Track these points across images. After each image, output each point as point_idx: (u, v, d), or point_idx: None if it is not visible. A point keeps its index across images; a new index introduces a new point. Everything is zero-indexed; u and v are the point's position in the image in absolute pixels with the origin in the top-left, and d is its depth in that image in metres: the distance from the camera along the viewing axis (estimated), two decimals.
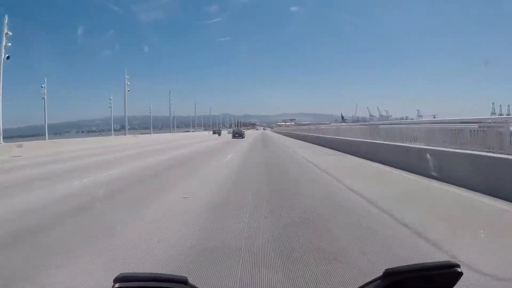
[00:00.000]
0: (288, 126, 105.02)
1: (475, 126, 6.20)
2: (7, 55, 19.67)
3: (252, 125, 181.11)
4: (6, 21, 19.88)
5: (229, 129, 71.90)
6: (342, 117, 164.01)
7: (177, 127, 78.91)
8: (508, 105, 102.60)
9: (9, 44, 19.89)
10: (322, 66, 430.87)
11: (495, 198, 4.45)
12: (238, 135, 34.12)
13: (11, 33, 19.97)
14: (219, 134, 56.50)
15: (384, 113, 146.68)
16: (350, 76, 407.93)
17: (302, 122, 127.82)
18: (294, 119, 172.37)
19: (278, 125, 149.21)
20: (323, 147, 16.27)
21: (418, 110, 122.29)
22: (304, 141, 24.11)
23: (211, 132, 67.70)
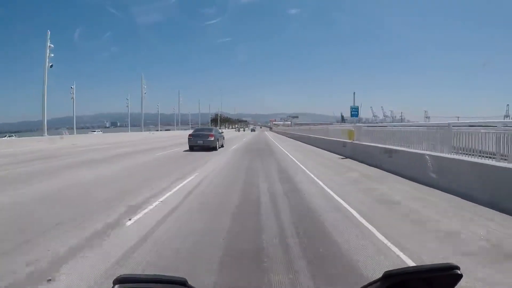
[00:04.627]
0: (287, 126, 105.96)
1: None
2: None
3: (244, 123, 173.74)
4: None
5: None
6: (342, 117, 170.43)
7: (165, 125, 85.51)
8: None
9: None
10: (320, 67, 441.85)
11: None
12: (253, 130, 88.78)
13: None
14: (239, 130, 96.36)
15: (388, 113, 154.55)
16: (356, 76, 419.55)
17: (298, 122, 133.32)
18: (297, 117, 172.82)
19: (275, 124, 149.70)
20: None
21: (426, 111, 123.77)
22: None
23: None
